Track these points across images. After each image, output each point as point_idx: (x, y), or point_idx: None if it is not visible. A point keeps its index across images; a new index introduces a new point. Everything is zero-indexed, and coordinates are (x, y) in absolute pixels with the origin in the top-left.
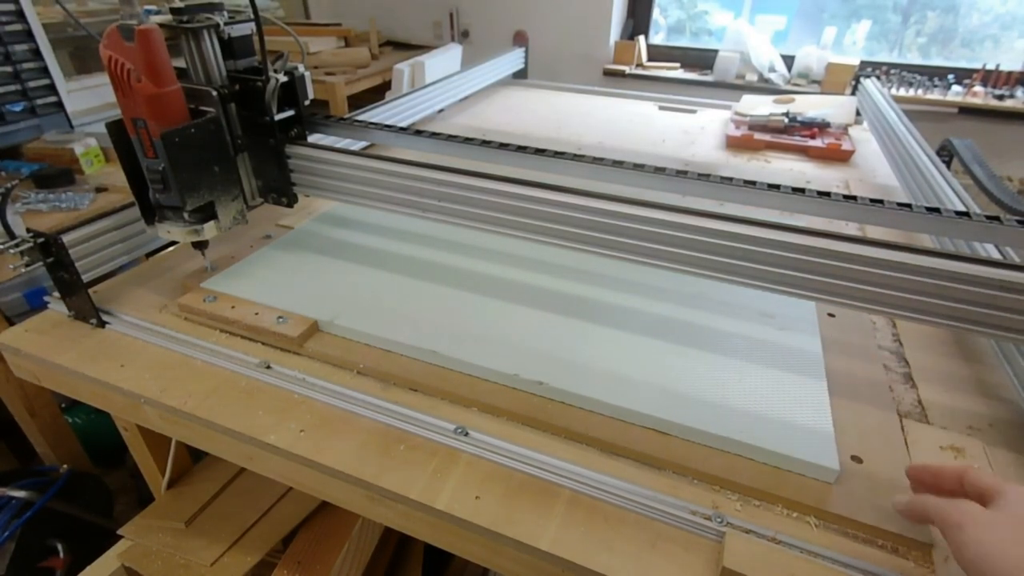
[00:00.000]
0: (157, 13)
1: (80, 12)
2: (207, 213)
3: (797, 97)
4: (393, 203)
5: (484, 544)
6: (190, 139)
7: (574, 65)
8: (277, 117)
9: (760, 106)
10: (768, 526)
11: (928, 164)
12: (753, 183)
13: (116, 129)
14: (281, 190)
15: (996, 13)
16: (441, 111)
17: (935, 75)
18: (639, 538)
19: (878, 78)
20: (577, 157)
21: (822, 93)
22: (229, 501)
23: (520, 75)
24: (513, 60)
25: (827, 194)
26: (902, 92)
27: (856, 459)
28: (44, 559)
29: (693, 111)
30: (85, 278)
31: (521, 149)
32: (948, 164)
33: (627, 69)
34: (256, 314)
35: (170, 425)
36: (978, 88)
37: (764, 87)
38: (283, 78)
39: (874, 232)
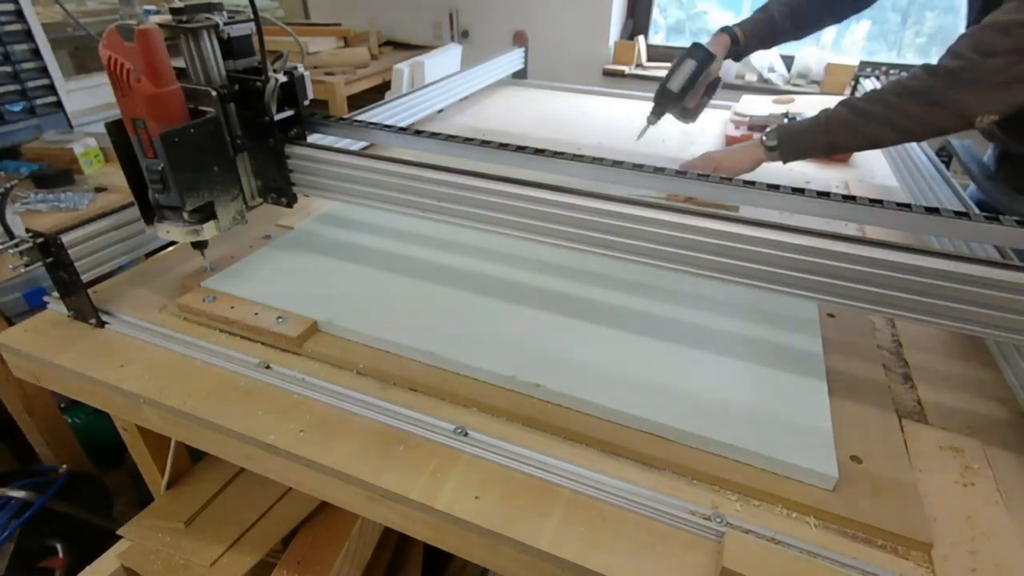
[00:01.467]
0: (157, 13)
1: (80, 12)
2: (206, 213)
3: (797, 97)
4: (393, 203)
5: (484, 544)
6: (190, 139)
7: (574, 65)
8: (277, 117)
9: (760, 106)
10: (768, 526)
11: (928, 164)
12: (753, 183)
13: (116, 129)
14: (281, 190)
15: None
16: (441, 111)
17: None
18: (639, 538)
19: (877, 78)
20: (577, 157)
21: (822, 93)
22: (229, 501)
23: (520, 75)
24: (513, 60)
25: (827, 194)
26: None
27: (855, 459)
28: (44, 559)
29: None
30: (85, 278)
31: (521, 149)
32: (948, 164)
33: (627, 69)
34: (256, 314)
35: (170, 425)
36: None
37: (764, 87)
38: (283, 78)
39: (874, 232)
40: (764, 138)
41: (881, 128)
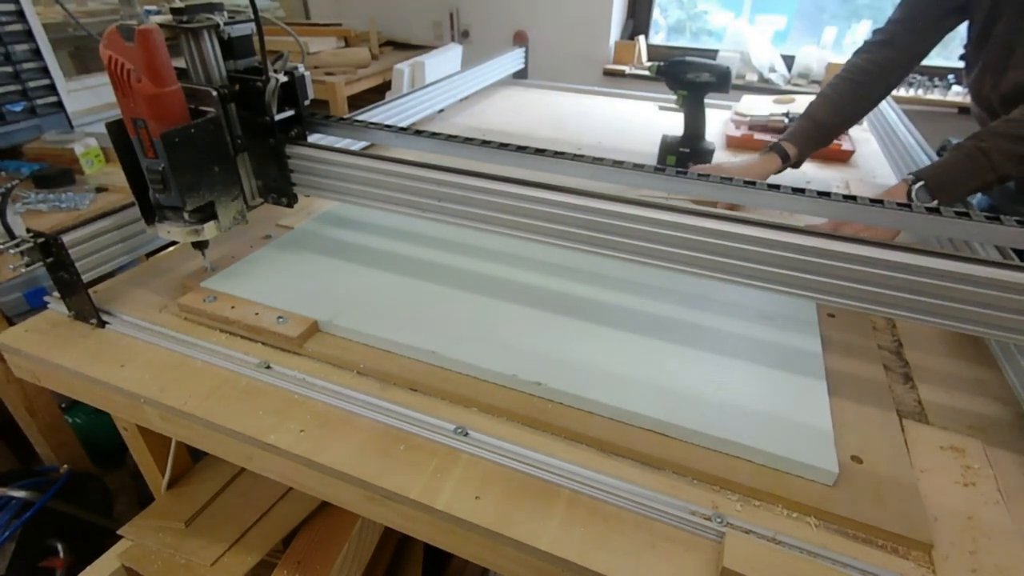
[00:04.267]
0: (157, 13)
1: (80, 12)
2: (207, 213)
3: (797, 97)
4: (393, 203)
5: (484, 544)
6: (190, 139)
7: (574, 65)
8: (277, 117)
9: (760, 106)
10: (768, 526)
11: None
12: (753, 183)
13: (116, 129)
14: (281, 190)
15: None
16: (441, 111)
17: (935, 75)
18: (639, 538)
19: None
20: (577, 157)
21: None
22: (229, 501)
23: (520, 75)
24: (513, 60)
25: (827, 194)
26: (902, 92)
27: (856, 459)
28: (44, 559)
29: None
30: (85, 278)
31: (521, 149)
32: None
33: (627, 69)
34: (256, 314)
35: (170, 425)
36: None
37: (764, 87)
38: (283, 78)
39: None
40: (915, 197)
41: None
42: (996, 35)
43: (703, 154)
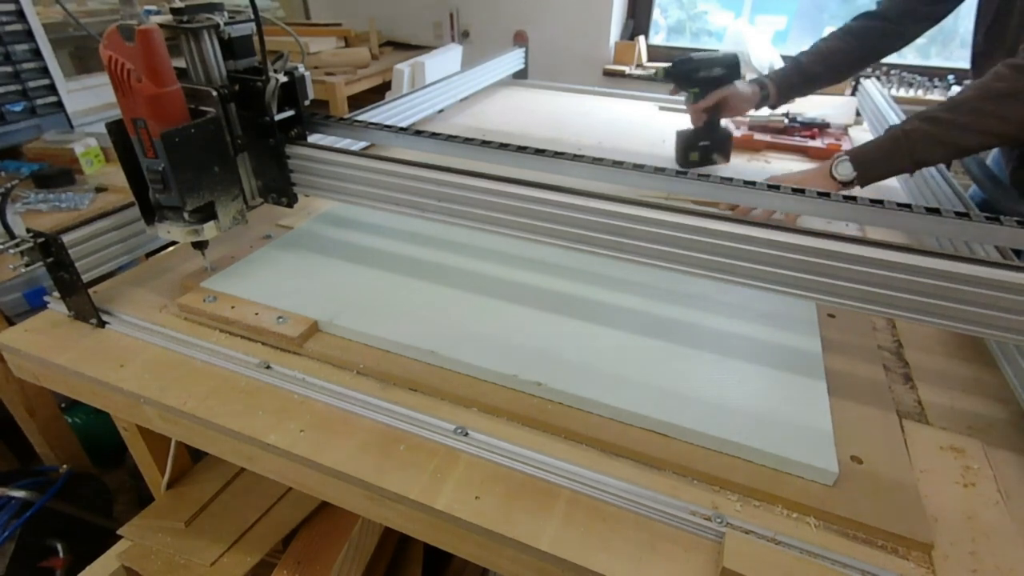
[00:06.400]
0: (157, 13)
1: (80, 12)
2: (207, 213)
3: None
4: (393, 203)
5: (484, 544)
6: (190, 139)
7: (574, 65)
8: (277, 117)
9: None
10: (768, 526)
11: None
12: (753, 183)
13: (116, 129)
14: (281, 190)
15: None
16: (441, 111)
17: (935, 75)
18: (639, 538)
19: (878, 78)
20: (577, 157)
21: (822, 94)
22: (229, 501)
23: (520, 75)
24: (513, 60)
25: (827, 194)
26: (902, 92)
27: (856, 459)
28: (44, 559)
29: None
30: (85, 278)
31: (521, 149)
32: (948, 164)
33: (627, 69)
34: (256, 314)
35: (170, 425)
36: None
37: None
38: (283, 78)
39: (874, 232)
40: (835, 171)
41: (972, 137)
42: (1011, 28)
43: (724, 141)
